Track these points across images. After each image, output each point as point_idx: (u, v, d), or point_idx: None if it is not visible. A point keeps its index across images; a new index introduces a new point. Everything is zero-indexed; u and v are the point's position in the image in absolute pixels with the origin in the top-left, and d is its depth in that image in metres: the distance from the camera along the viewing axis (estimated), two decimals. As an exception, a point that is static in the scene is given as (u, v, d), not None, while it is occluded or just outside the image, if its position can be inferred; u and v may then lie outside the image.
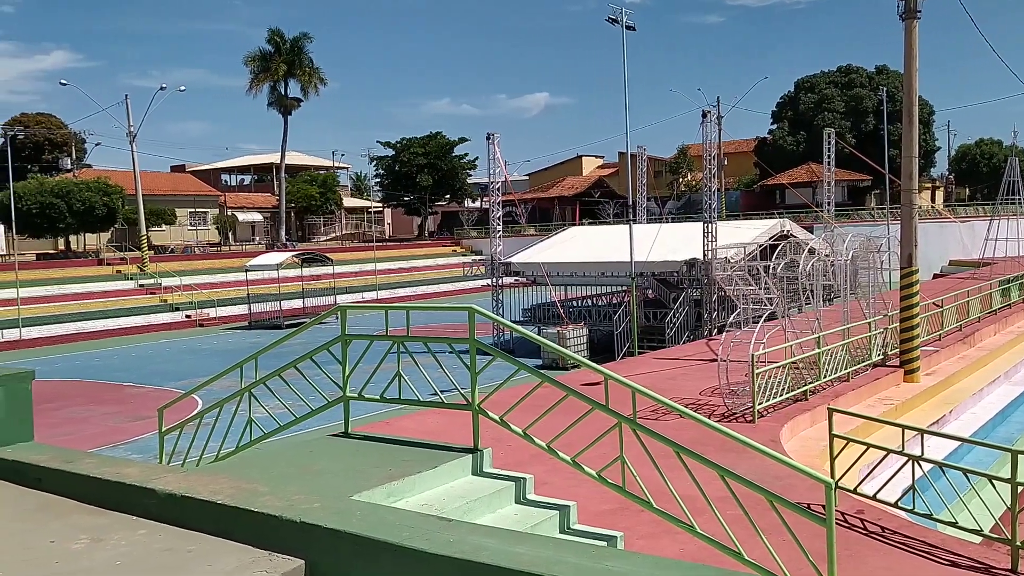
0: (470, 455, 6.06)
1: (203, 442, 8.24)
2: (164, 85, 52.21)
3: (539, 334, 24.76)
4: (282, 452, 6.62)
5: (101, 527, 4.68)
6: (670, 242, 30.45)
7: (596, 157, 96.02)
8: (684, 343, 26.67)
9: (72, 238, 55.57)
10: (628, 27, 26.63)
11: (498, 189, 33.67)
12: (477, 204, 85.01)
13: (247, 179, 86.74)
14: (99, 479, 5.05)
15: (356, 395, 6.67)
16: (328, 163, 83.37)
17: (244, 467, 5.78)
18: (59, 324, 39.92)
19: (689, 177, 75.37)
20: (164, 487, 4.75)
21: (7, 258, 46.25)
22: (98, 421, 21.09)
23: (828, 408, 10.13)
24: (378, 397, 6.57)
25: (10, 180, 47.93)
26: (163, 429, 8.43)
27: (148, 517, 4.76)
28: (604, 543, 5.58)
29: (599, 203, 73.70)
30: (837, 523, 6.48)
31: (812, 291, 16.28)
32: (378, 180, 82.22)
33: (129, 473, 5.08)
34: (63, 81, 51.71)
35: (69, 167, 62.47)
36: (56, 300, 42.44)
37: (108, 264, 50.46)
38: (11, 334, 36.79)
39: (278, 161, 70.47)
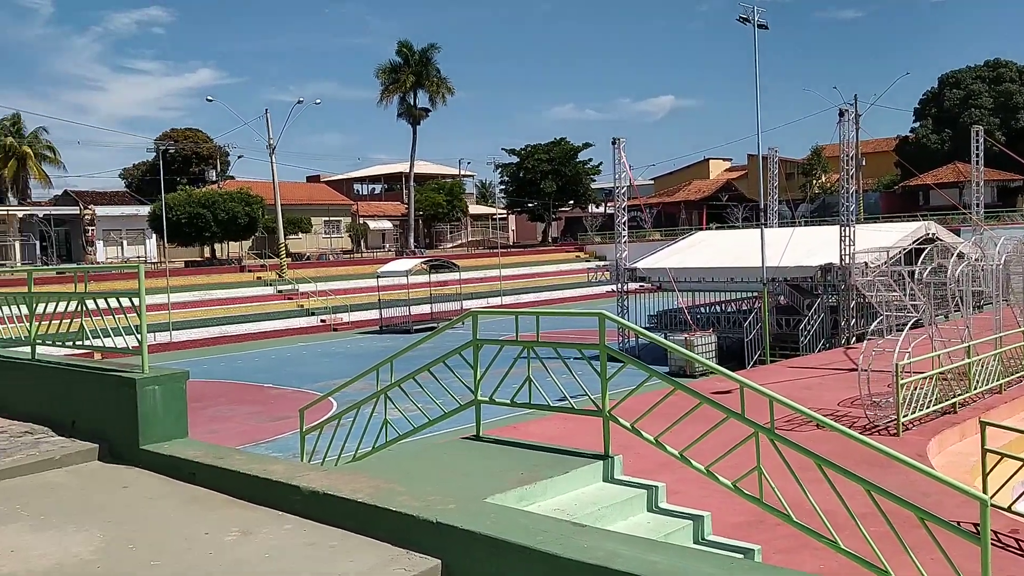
0: (601, 461, 6.03)
1: (339, 442, 8.54)
2: (301, 99, 54.67)
3: (665, 341, 24.36)
4: (417, 453, 6.77)
5: (250, 520, 4.92)
6: (804, 246, 29.40)
7: (723, 160, 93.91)
8: (819, 351, 25.67)
9: (217, 246, 58.83)
10: (760, 25, 25.96)
11: (623, 194, 33.42)
12: (601, 209, 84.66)
13: (378, 188, 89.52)
14: (248, 475, 5.31)
15: (487, 399, 6.75)
16: (454, 171, 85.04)
17: (381, 467, 5.94)
18: (204, 328, 42.29)
19: (823, 179, 72.60)
20: (308, 484, 4.95)
21: (159, 265, 49.37)
22: (241, 420, 22.21)
23: (980, 421, 9.53)
24: (508, 401, 6.62)
25: (162, 192, 51.25)
26: (304, 429, 8.79)
27: (293, 512, 4.97)
28: (741, 556, 5.42)
29: (727, 207, 71.99)
30: (991, 542, 6.07)
31: (961, 298, 15.36)
32: (502, 187, 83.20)
33: (275, 470, 5.32)
34: (209, 98, 54.97)
35: (214, 179, 66.24)
36: (202, 305, 45.00)
37: (249, 271, 53.11)
38: (162, 337, 39.22)
39: (407, 170, 72.40)
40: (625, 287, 33.02)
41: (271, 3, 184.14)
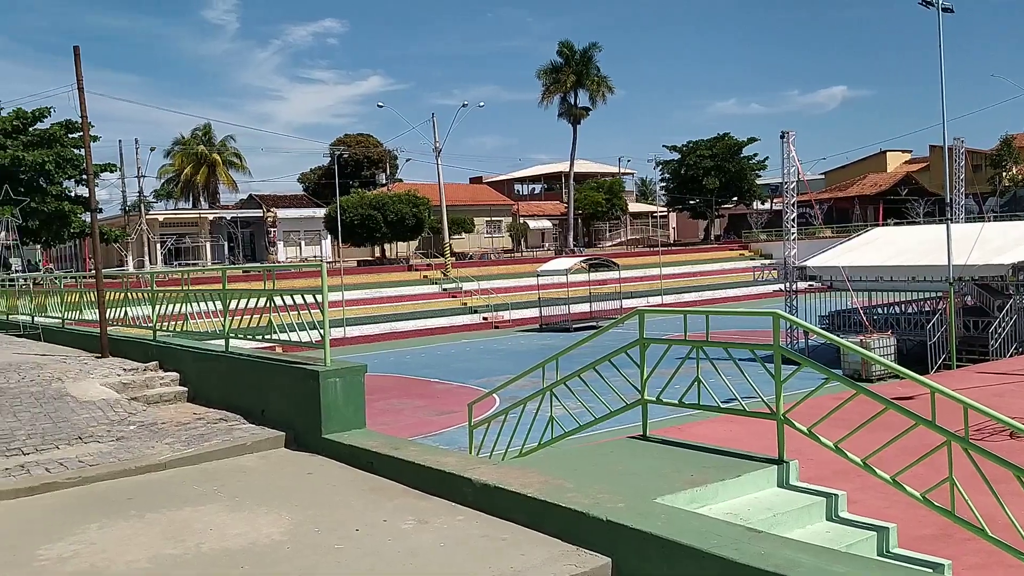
0: (775, 466, 5.81)
1: (504, 437, 8.68)
2: (466, 102, 56.11)
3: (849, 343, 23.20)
4: (583, 451, 6.78)
5: (425, 510, 5.09)
6: (994, 243, 27.19)
7: (902, 152, 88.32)
8: (1011, 356, 23.67)
9: (386, 246, 61.34)
10: (945, 9, 24.21)
11: (792, 189, 32.13)
12: (767, 206, 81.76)
13: (537, 188, 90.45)
14: (423, 466, 5.49)
15: (654, 398, 6.66)
16: (614, 169, 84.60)
17: (548, 464, 5.99)
18: (375, 324, 44.21)
19: (1014, 171, 66.91)
20: (480, 477, 5.06)
21: (334, 264, 51.98)
22: (410, 413, 23.06)
23: None
24: (676, 401, 6.50)
25: (336, 195, 54.01)
26: (472, 423, 9.00)
27: (465, 504, 5.09)
28: (930, 571, 5.08)
29: (906, 202, 67.77)
30: None
31: None
32: (663, 184, 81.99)
33: (448, 462, 5.47)
34: (380, 104, 57.07)
35: (384, 182, 69.13)
36: (373, 302, 47.08)
37: (416, 270, 55.05)
38: (337, 332, 41.30)
39: (567, 169, 72.74)
40: (794, 286, 31.72)
41: (435, 11, 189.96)
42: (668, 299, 51.85)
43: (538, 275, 46.43)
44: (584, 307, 45.51)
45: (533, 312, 45.93)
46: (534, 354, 30.25)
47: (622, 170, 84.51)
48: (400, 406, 23.97)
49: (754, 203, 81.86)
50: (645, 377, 6.62)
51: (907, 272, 28.55)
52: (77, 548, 4.66)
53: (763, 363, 6.05)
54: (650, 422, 6.86)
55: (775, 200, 71.70)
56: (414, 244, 64.96)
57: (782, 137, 31.87)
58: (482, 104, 59.03)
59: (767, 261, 54.72)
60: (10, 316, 16.85)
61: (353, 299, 45.15)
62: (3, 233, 36.45)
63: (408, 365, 33.31)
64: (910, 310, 31.93)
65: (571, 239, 71.22)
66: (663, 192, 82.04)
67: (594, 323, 41.70)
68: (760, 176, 77.67)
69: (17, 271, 32.01)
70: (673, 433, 8.40)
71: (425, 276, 53.39)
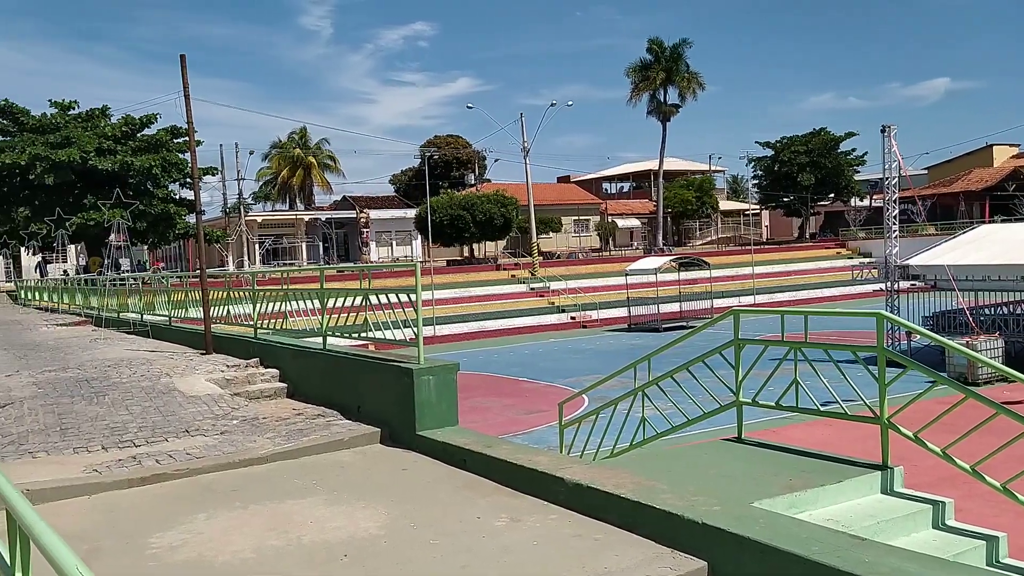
0: (878, 472, 5.62)
1: (595, 437, 8.65)
2: (554, 102, 56.11)
3: (959, 346, 22.26)
4: (677, 453, 6.70)
5: (518, 508, 5.12)
6: (1114, 240, 25.61)
7: (1010, 146, 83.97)
8: None
9: (475, 246, 61.91)
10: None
11: (894, 185, 30.96)
12: (865, 203, 79.03)
13: (626, 186, 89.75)
14: (515, 464, 5.52)
15: (750, 401, 6.53)
16: (704, 167, 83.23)
17: (640, 465, 5.94)
18: (463, 323, 44.66)
19: None
20: (572, 477, 5.06)
21: (423, 264, 52.70)
22: (499, 412, 23.19)
23: None
24: (773, 404, 6.36)
25: (427, 195, 54.82)
26: (563, 422, 9.00)
27: (557, 503, 5.10)
28: (1046, 585, 4.83)
29: (1014, 197, 64.47)
30: None
31: None
32: (755, 181, 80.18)
33: (540, 461, 5.49)
34: (469, 105, 57.81)
35: (472, 182, 69.80)
36: (461, 301, 47.57)
37: (504, 269, 55.35)
38: (427, 331, 41.48)
39: (655, 167, 71.96)
40: (895, 286, 30.57)
41: (524, 11, 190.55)
42: (760, 299, 50.68)
43: (626, 274, 46.05)
44: (673, 307, 44.89)
45: (621, 312, 45.57)
46: (622, 354, 30.01)
47: (713, 167, 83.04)
48: (488, 404, 24.14)
49: (852, 200, 79.25)
50: (740, 379, 6.50)
51: (1016, 271, 27.14)
52: (186, 537, 4.87)
53: (866, 365, 5.85)
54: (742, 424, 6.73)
55: (874, 197, 69.24)
56: (502, 244, 65.36)
57: (883, 131, 30.74)
58: (571, 103, 59.11)
59: (866, 260, 52.90)
60: (121, 314, 17.72)
61: (442, 298, 45.70)
62: (114, 235, 38.36)
63: (496, 364, 33.52)
64: (1019, 311, 30.35)
65: (660, 238, 70.41)
66: (755, 189, 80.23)
67: (684, 323, 41.09)
68: (858, 172, 75.14)
69: (126, 271, 33.60)
70: (768, 436, 8.22)
71: (513, 275, 53.62)
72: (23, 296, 34.06)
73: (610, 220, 73.71)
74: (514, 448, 6.01)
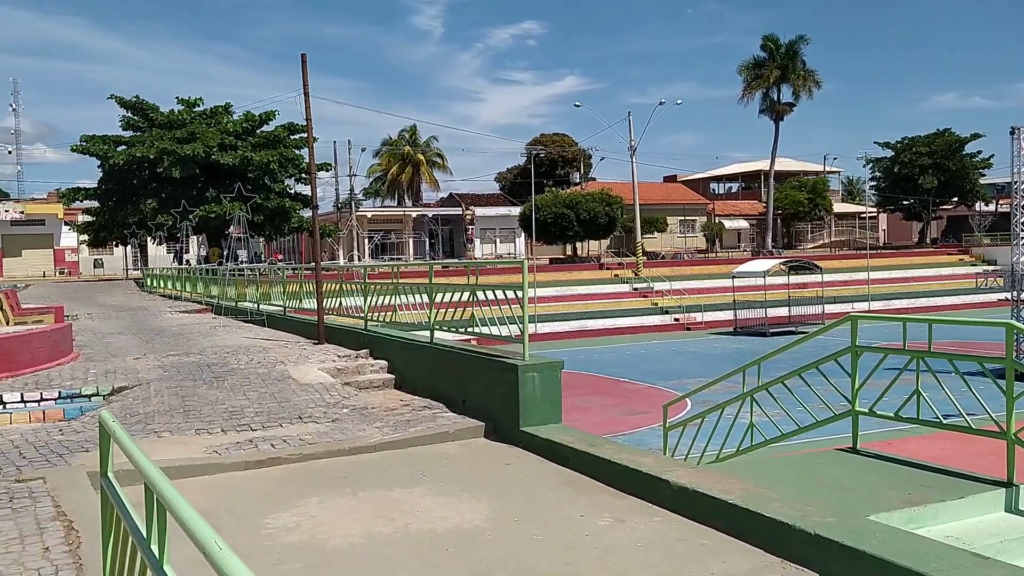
0: (1003, 489, 5.33)
1: (699, 441, 8.50)
2: (663, 100, 55.43)
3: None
4: (787, 461, 6.52)
5: (621, 508, 5.09)
6: None
7: None
8: None
9: (578, 244, 61.76)
10: None
11: (1022, 189, 29.24)
12: (991, 207, 74.89)
13: (734, 187, 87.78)
14: (619, 464, 5.49)
15: (867, 410, 6.29)
16: (818, 167, 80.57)
17: (749, 471, 5.80)
18: (565, 321, 44.59)
19: None
20: (677, 480, 4.99)
21: (527, 261, 52.84)
22: (599, 411, 23.08)
23: None
24: (891, 415, 6.10)
25: (532, 193, 55.04)
26: (667, 425, 8.89)
27: (661, 505, 5.04)
28: None
29: None
30: None
31: None
32: (873, 183, 77.07)
33: (644, 462, 5.44)
34: (577, 103, 57.47)
35: (577, 180, 69.63)
36: (563, 300, 47.53)
37: (607, 269, 55.01)
38: (529, 328, 42.03)
39: (766, 168, 70.09)
40: (1023, 295, 28.88)
41: (634, 9, 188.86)
42: (875, 306, 48.72)
43: (733, 277, 45.07)
44: (782, 311, 43.68)
45: (727, 315, 44.61)
46: (727, 358, 29.37)
47: (827, 168, 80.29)
48: (589, 404, 24.04)
49: (976, 204, 75.23)
50: (856, 387, 6.27)
51: None
52: (299, 520, 5.04)
53: (994, 378, 5.55)
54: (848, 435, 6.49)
55: (1002, 201, 65.46)
56: (605, 243, 64.95)
57: (1012, 133, 29.06)
58: (679, 101, 58.43)
59: (991, 267, 50.15)
60: (239, 303, 18.50)
61: (544, 296, 45.78)
62: (234, 227, 40.11)
63: (597, 363, 33.35)
64: None
65: (769, 240, 68.57)
66: (873, 192, 77.13)
67: (793, 328, 39.94)
68: (984, 175, 71.24)
69: (243, 262, 35.05)
70: (882, 447, 7.92)
71: (616, 275, 53.23)
72: (148, 284, 35.97)
73: (717, 221, 72.26)
74: (618, 448, 5.97)
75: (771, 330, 40.27)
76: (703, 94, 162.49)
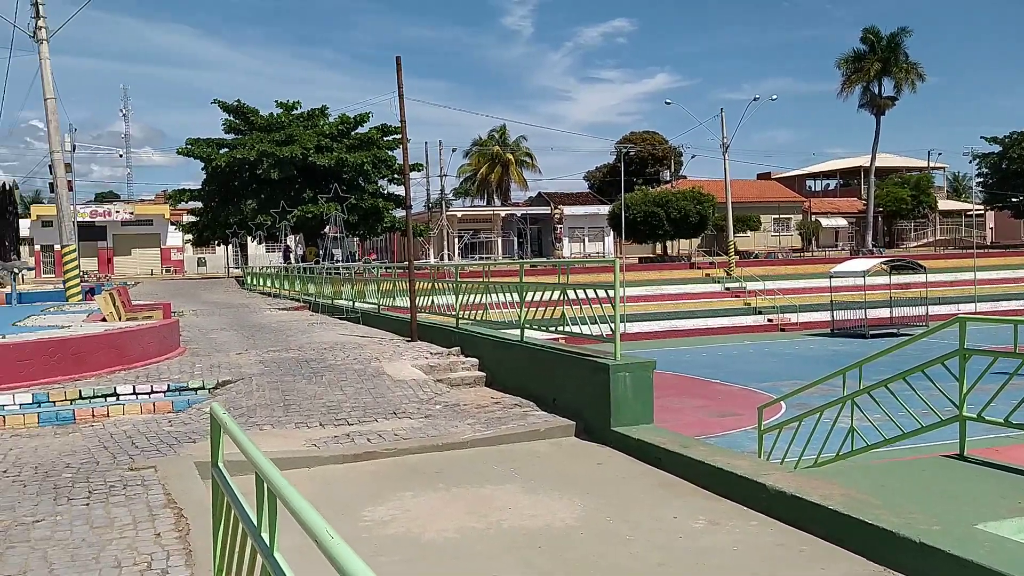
0: None
1: (796, 445, 8.30)
2: (757, 96, 54.22)
3: None
4: (890, 467, 6.31)
5: (716, 511, 5.02)
6: None
7: None
8: None
9: (668, 243, 61.01)
10: None
11: None
12: (1114, 204, 70.49)
13: (832, 184, 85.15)
14: (713, 466, 5.42)
15: (975, 416, 6.03)
16: (922, 163, 77.42)
17: (849, 477, 5.64)
18: (655, 321, 44.07)
19: None
20: (774, 484, 4.89)
21: (618, 260, 52.49)
22: (690, 413, 22.73)
23: None
24: (1002, 421, 5.84)
25: (621, 192, 54.69)
26: (762, 427, 8.71)
27: (757, 510, 4.95)
28: None
29: None
30: None
31: None
32: (980, 180, 73.58)
33: (740, 465, 5.35)
34: (668, 101, 56.95)
35: (668, 178, 68.81)
36: (653, 299, 47.00)
37: (698, 268, 54.13)
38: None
39: (866, 164, 67.71)
40: None
41: (727, 3, 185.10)
42: (982, 307, 46.50)
43: (831, 276, 43.72)
44: (882, 312, 42.13)
45: (823, 315, 43.31)
46: (824, 360, 28.52)
47: (931, 164, 77.05)
48: (679, 404, 23.70)
49: (1098, 201, 70.95)
50: (964, 391, 6.02)
51: None
52: (395, 513, 5.16)
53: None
54: (953, 442, 6.23)
55: (1124, 197, 61.62)
56: (696, 242, 63.93)
57: None
58: (774, 97, 56.81)
59: (1112, 267, 47.21)
60: (335, 301, 18.99)
61: (634, 296, 45.37)
62: (330, 226, 41.16)
63: (688, 364, 32.84)
64: None
65: (869, 239, 66.21)
66: (980, 188, 73.65)
67: (894, 330, 38.50)
68: (1107, 170, 67.14)
69: (339, 261, 35.93)
70: (989, 455, 7.59)
71: (707, 274, 52.32)
72: (248, 282, 37.25)
73: (813, 219, 70.22)
74: (711, 450, 5.89)
75: (870, 332, 38.93)
76: (799, 89, 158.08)
